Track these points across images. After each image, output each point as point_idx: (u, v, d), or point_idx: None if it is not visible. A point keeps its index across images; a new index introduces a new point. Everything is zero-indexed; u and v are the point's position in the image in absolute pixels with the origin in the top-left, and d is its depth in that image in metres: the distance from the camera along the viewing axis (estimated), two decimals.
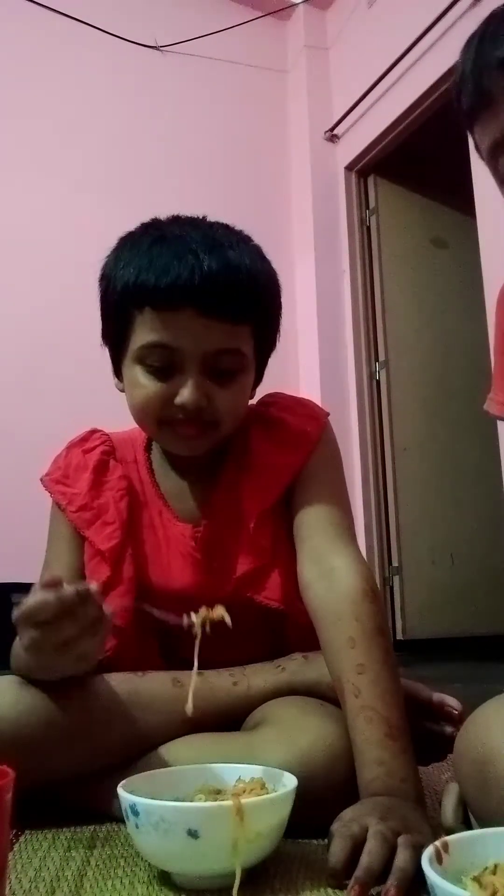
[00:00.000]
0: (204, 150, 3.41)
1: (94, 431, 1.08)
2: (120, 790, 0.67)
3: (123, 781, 0.69)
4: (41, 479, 1.06)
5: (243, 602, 0.96)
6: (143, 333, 0.89)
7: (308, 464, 0.98)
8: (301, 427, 1.00)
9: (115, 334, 0.94)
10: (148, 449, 1.06)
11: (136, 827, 0.64)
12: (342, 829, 0.65)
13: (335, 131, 3.55)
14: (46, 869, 0.70)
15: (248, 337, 0.92)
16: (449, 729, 0.93)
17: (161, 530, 1.00)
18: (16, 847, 0.77)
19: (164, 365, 0.89)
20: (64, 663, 0.77)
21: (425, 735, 0.91)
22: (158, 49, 3.41)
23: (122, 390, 0.97)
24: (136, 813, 0.64)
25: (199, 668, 0.94)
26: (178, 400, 0.89)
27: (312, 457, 0.99)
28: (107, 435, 1.08)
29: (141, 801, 0.64)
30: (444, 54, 2.86)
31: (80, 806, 0.85)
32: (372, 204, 3.53)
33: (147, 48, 3.38)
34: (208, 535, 0.98)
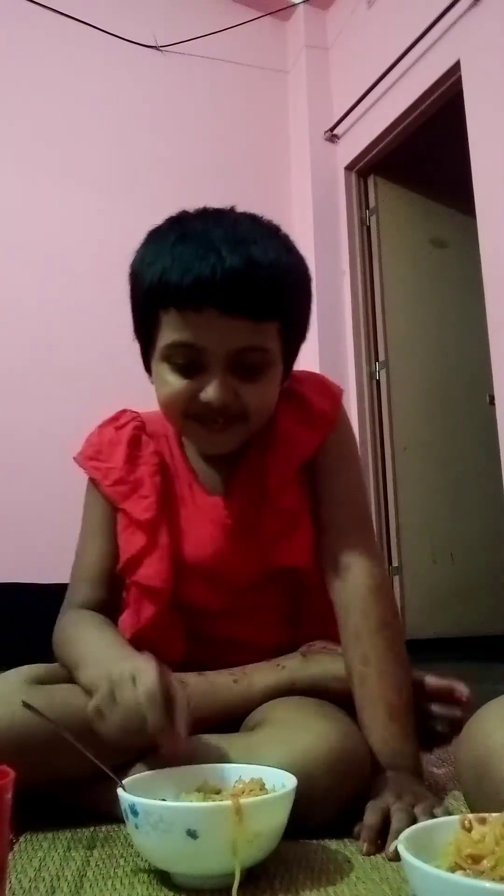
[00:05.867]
0: (203, 150, 3.41)
1: (124, 411, 1.10)
2: (120, 790, 0.67)
3: (124, 781, 0.69)
4: (74, 458, 1.07)
5: (268, 575, 1.00)
6: (168, 332, 0.89)
7: (327, 445, 1.01)
8: (320, 406, 1.02)
9: (143, 331, 0.94)
10: None
11: (136, 827, 0.64)
12: (372, 805, 0.77)
13: (335, 131, 3.54)
14: (46, 869, 0.70)
15: (274, 333, 0.91)
16: (448, 710, 0.95)
17: (192, 503, 1.02)
18: (16, 847, 0.77)
19: (189, 363, 0.89)
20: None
21: (429, 718, 0.95)
22: (158, 49, 3.40)
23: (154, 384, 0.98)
24: (135, 813, 0.64)
25: (222, 645, 1.01)
26: (204, 397, 0.89)
27: (331, 438, 1.02)
28: (136, 413, 1.09)
29: (140, 801, 0.64)
30: (444, 54, 2.86)
31: (80, 806, 0.85)
32: (372, 204, 3.53)
33: (147, 48, 3.38)
34: (238, 504, 1.00)
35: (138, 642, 0.96)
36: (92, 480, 1.05)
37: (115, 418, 1.09)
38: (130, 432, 1.05)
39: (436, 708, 0.96)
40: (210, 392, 0.89)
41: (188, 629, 1.01)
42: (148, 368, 0.98)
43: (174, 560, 0.98)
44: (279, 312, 0.90)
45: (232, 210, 0.95)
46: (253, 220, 0.94)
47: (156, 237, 0.92)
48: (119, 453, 1.03)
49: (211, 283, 0.84)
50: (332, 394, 1.05)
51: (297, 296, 0.93)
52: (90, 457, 1.05)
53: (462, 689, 0.96)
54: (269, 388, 0.93)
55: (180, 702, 0.75)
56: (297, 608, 1.05)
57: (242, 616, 1.03)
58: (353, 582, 0.95)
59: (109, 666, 0.79)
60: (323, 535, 1.00)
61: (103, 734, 0.75)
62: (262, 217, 0.95)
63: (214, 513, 1.00)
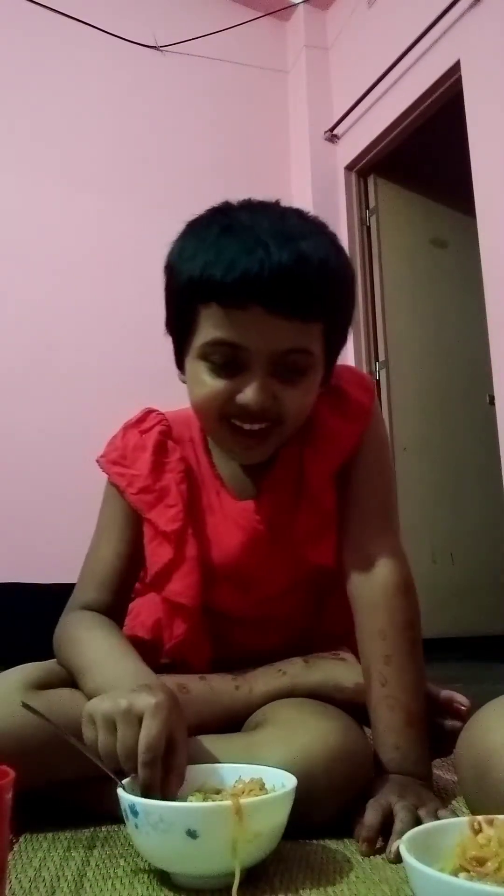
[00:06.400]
0: (203, 150, 3.41)
1: (150, 412, 1.05)
2: (120, 790, 0.67)
3: (124, 781, 0.69)
4: (97, 461, 1.03)
5: (298, 577, 0.99)
6: (208, 329, 0.84)
7: (363, 437, 0.98)
8: (357, 398, 0.99)
9: (179, 326, 0.89)
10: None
11: (136, 827, 0.64)
12: (373, 803, 0.77)
13: (335, 131, 3.54)
14: (46, 869, 0.70)
15: (318, 335, 0.86)
16: (450, 722, 0.95)
17: (220, 510, 0.99)
18: (16, 847, 0.77)
19: (228, 362, 0.84)
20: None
21: (432, 728, 0.93)
22: (158, 49, 3.40)
23: (185, 382, 0.92)
24: (135, 813, 0.64)
25: (242, 655, 0.99)
26: (241, 399, 0.84)
27: (368, 430, 0.99)
28: (162, 415, 1.05)
29: (140, 801, 0.64)
30: (444, 54, 2.86)
31: (80, 806, 0.85)
32: (372, 204, 3.53)
33: (147, 48, 3.38)
34: (271, 507, 0.97)
35: (180, 644, 0.96)
36: (115, 486, 1.01)
37: (141, 419, 1.04)
38: (156, 437, 1.00)
39: (448, 722, 0.95)
40: (249, 394, 0.84)
41: (215, 634, 1.00)
42: (180, 365, 0.93)
43: (203, 571, 0.95)
44: (326, 313, 0.86)
45: (277, 203, 0.90)
46: (299, 214, 0.88)
47: (197, 228, 0.87)
48: (144, 460, 0.99)
49: (258, 279, 0.79)
50: (366, 385, 1.02)
51: (344, 296, 0.89)
52: (114, 461, 1.01)
53: (463, 700, 0.96)
54: (309, 393, 0.89)
55: (179, 759, 0.69)
56: (320, 608, 1.04)
57: (268, 620, 1.01)
58: (380, 578, 0.93)
59: (120, 683, 0.76)
60: (350, 529, 0.97)
61: (89, 748, 0.72)
62: (308, 212, 0.90)
63: (244, 518, 0.97)
